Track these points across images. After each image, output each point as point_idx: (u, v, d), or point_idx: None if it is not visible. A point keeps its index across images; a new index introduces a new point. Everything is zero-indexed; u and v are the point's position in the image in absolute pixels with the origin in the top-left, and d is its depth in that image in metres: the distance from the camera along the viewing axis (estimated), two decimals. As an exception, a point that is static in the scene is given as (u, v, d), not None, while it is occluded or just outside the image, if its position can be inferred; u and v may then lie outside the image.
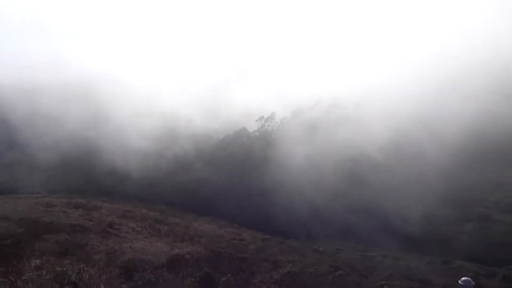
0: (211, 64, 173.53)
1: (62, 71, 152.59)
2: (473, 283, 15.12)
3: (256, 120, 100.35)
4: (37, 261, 13.34)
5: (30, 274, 9.31)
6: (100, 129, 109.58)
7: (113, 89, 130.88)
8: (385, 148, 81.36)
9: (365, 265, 32.80)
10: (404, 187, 67.28)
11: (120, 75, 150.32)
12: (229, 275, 14.18)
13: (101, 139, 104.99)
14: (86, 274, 8.21)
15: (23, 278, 8.73)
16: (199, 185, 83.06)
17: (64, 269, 8.54)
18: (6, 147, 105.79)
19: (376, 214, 61.97)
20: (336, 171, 79.03)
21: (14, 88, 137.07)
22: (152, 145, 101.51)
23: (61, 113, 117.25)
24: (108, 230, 31.24)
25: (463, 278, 15.06)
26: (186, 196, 77.05)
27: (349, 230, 60.28)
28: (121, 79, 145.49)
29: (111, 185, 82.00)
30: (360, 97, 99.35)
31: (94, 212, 37.35)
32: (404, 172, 71.71)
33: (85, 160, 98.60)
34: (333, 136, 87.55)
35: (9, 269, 10.42)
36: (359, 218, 63.02)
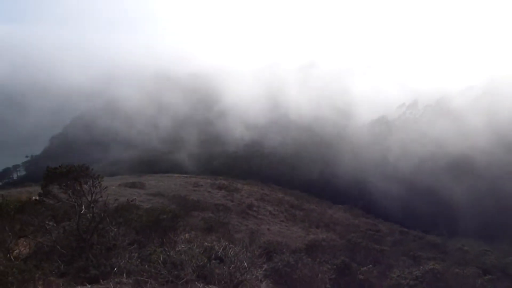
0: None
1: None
2: None
3: (397, 108, 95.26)
4: (187, 235, 14.58)
5: (182, 246, 10.08)
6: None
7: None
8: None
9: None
10: None
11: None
12: (370, 266, 13.47)
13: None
14: (231, 251, 8.50)
15: (177, 249, 9.46)
16: (335, 173, 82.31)
17: (211, 244, 9.01)
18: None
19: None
20: (490, 163, 70.12)
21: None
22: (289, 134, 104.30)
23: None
24: (248, 211, 32.88)
25: None
26: (322, 184, 77.13)
27: (498, 230, 53.19)
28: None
29: (252, 169, 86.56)
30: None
31: (235, 194, 39.66)
32: None
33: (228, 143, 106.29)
34: (486, 125, 77.92)
35: (164, 240, 11.52)
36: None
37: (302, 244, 21.26)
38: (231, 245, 9.33)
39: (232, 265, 8.18)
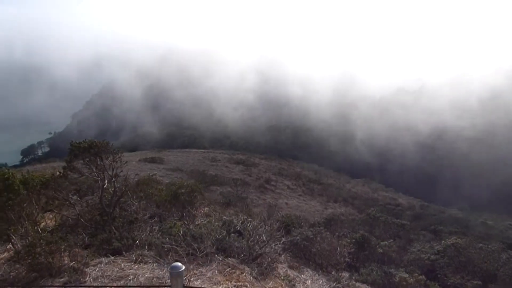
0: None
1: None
2: None
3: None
4: (206, 209, 14.80)
5: (201, 220, 10.26)
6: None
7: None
8: None
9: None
10: None
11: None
12: (391, 240, 13.48)
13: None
14: (250, 225, 8.60)
15: (196, 223, 9.63)
16: (353, 147, 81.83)
17: (230, 218, 9.14)
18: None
19: None
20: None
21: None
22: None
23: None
24: (265, 186, 33.14)
25: None
26: (341, 158, 76.88)
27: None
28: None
29: (269, 143, 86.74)
30: None
31: (253, 168, 39.92)
32: None
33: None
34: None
35: (184, 214, 11.73)
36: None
37: (320, 218, 21.42)
38: (249, 219, 9.44)
39: (251, 239, 8.30)
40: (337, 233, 13.36)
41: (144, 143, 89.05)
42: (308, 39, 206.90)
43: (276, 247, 8.77)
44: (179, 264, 2.79)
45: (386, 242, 13.01)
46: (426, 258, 12.62)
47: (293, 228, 11.73)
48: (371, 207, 25.13)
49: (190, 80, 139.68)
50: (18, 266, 7.09)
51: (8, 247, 8.50)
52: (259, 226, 8.70)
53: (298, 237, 9.99)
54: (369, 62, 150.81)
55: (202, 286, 6.45)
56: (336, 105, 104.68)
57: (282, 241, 9.11)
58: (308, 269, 9.31)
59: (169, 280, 6.87)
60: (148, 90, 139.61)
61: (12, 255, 7.77)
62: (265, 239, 8.36)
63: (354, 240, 12.72)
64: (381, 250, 12.46)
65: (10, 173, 7.86)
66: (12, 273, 6.97)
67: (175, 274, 2.78)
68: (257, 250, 8.16)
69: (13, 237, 8.01)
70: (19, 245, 7.84)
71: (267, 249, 8.32)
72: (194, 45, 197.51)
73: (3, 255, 8.24)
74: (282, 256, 9.13)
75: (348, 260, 10.50)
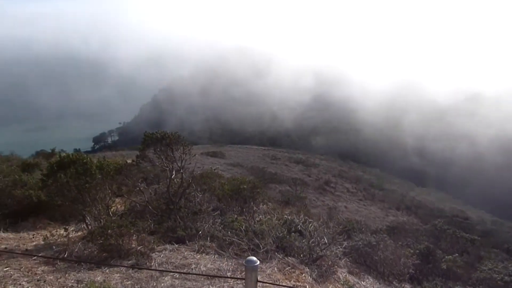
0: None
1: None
2: None
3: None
4: (265, 206, 14.85)
5: (261, 216, 10.29)
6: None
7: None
8: None
9: None
10: None
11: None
12: (456, 254, 12.68)
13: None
14: (311, 225, 8.48)
15: (256, 219, 9.68)
16: (420, 153, 78.19)
17: (292, 217, 9.08)
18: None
19: None
20: None
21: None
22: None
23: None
24: (325, 187, 32.68)
25: None
26: (405, 163, 73.78)
27: None
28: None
29: (329, 144, 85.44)
30: None
31: (312, 169, 39.53)
32: None
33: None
34: None
35: (244, 209, 11.85)
36: None
37: (381, 225, 20.69)
38: (310, 220, 9.32)
39: (312, 240, 8.18)
40: (400, 242, 12.81)
41: (204, 138, 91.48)
42: (367, 43, 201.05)
43: (337, 251, 8.57)
44: (254, 258, 2.78)
45: (452, 256, 12.26)
46: (499, 278, 11.68)
47: (353, 233, 11.42)
48: (437, 218, 23.85)
49: (248, 79, 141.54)
50: (91, 245, 7.54)
51: (82, 226, 9.10)
52: (321, 228, 8.54)
53: (360, 243, 9.69)
54: (429, 68, 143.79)
55: (275, 283, 6.45)
56: (393, 110, 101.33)
57: (343, 245, 8.87)
58: (369, 277, 9.01)
59: (229, 273, 7.01)
60: (209, 86, 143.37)
61: (86, 234, 8.30)
62: (326, 241, 8.20)
63: (418, 251, 12.14)
64: (446, 265, 11.77)
65: (88, 158, 8.38)
66: (85, 251, 7.43)
67: (250, 268, 2.77)
68: (317, 251, 8.02)
69: (88, 218, 8.55)
70: (92, 226, 8.36)
71: (327, 252, 8.15)
72: (251, 44, 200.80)
73: (78, 234, 8.82)
74: (343, 260, 8.91)
75: (412, 271, 10.02)
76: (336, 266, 8.31)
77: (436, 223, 18.11)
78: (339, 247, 8.76)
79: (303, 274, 7.29)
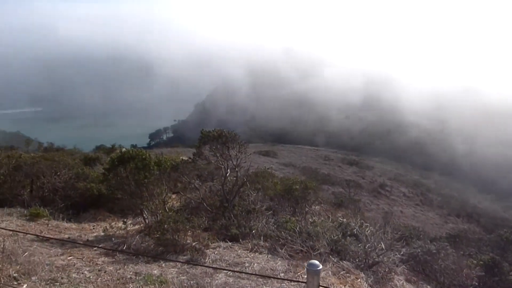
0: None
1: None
2: None
3: None
4: (318, 207, 14.61)
5: (315, 218, 10.11)
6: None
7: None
8: None
9: None
10: None
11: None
12: (526, 269, 11.74)
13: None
14: (367, 230, 8.19)
15: (309, 220, 9.53)
16: (483, 157, 73.60)
17: (348, 220, 8.82)
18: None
19: None
20: None
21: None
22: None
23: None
24: (379, 191, 31.69)
25: None
26: (467, 168, 69.76)
27: None
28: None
29: (384, 146, 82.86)
30: None
31: (367, 171, 38.53)
32: None
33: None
34: None
35: (296, 210, 11.74)
36: None
37: (440, 232, 19.68)
38: (366, 224, 9.01)
39: (368, 244, 7.88)
40: (462, 252, 12.07)
41: (256, 137, 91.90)
42: (417, 44, 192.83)
43: (395, 257, 8.20)
44: (317, 262, 2.67)
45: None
46: None
47: (411, 239, 10.92)
48: (502, 228, 22.29)
49: (295, 80, 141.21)
50: (148, 238, 7.76)
51: (139, 220, 9.41)
52: (378, 233, 8.22)
53: (418, 250, 9.21)
54: (485, 71, 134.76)
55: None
56: (442, 113, 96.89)
57: (401, 252, 8.48)
58: (428, 286, 8.56)
59: (283, 274, 6.92)
60: (257, 87, 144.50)
61: (143, 228, 8.57)
62: (383, 247, 7.87)
63: (482, 262, 11.36)
64: (514, 279, 10.91)
65: (148, 154, 8.63)
66: (143, 244, 7.66)
67: (312, 271, 2.67)
68: (374, 257, 7.72)
69: (145, 212, 8.82)
70: (149, 220, 8.61)
71: (384, 258, 7.82)
72: (298, 47, 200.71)
73: (135, 227, 9.13)
74: (400, 267, 8.52)
75: (475, 283, 9.38)
76: (393, 273, 7.96)
77: (502, 233, 16.89)
78: (397, 253, 8.39)
79: (359, 280, 7.05)
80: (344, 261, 7.53)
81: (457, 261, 9.45)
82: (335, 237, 7.98)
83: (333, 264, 7.31)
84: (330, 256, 7.53)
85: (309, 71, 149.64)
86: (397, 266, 8.41)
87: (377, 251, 7.80)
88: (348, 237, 8.09)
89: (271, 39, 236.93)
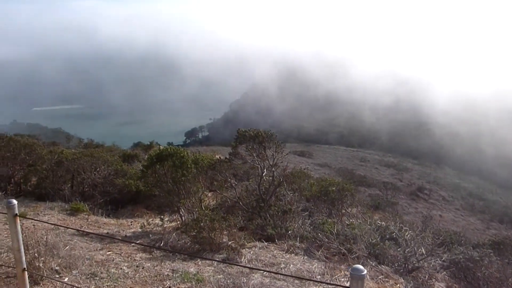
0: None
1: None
2: None
3: None
4: (354, 209, 14.32)
5: (352, 220, 9.91)
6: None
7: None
8: None
9: None
10: None
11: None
12: None
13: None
14: (407, 234, 7.94)
15: (346, 222, 9.35)
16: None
17: (387, 223, 8.59)
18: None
19: None
20: None
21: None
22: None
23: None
24: (418, 194, 30.76)
25: None
26: (504, 174, 66.64)
27: None
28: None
29: (422, 148, 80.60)
30: None
31: (404, 173, 37.53)
32: None
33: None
34: None
35: (332, 211, 11.56)
36: None
37: (482, 238, 18.83)
38: (406, 227, 8.75)
39: (408, 249, 7.64)
40: (507, 260, 11.49)
41: (291, 137, 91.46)
42: (448, 46, 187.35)
43: (435, 263, 7.92)
44: (361, 267, 2.58)
45: None
46: None
47: (452, 245, 10.49)
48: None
49: (325, 81, 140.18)
50: (184, 236, 7.84)
51: (176, 217, 9.54)
52: (418, 237, 7.95)
53: (460, 256, 8.84)
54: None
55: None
56: (478, 116, 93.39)
57: (442, 258, 8.17)
58: (471, 295, 8.21)
59: (319, 276, 6.82)
60: (296, 87, 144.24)
61: (180, 225, 8.67)
62: (424, 252, 7.61)
63: (529, 272, 10.77)
64: None
65: (186, 152, 8.72)
66: (179, 242, 7.75)
67: (357, 277, 2.58)
68: (413, 262, 7.48)
69: (182, 209, 8.93)
70: (185, 218, 8.71)
71: (425, 264, 7.56)
72: (328, 49, 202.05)
73: (172, 224, 9.27)
74: (441, 274, 8.21)
75: (523, 294, 8.90)
76: (433, 280, 7.68)
77: (551, 242, 15.97)
78: (438, 259, 8.09)
79: (398, 285, 6.84)
80: (383, 265, 7.33)
81: (502, 269, 9.00)
82: (373, 241, 7.78)
83: (371, 268, 7.13)
84: (368, 260, 7.36)
85: (340, 73, 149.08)
86: (438, 272, 8.11)
87: (417, 256, 7.56)
88: (387, 240, 7.88)
89: (302, 42, 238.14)
